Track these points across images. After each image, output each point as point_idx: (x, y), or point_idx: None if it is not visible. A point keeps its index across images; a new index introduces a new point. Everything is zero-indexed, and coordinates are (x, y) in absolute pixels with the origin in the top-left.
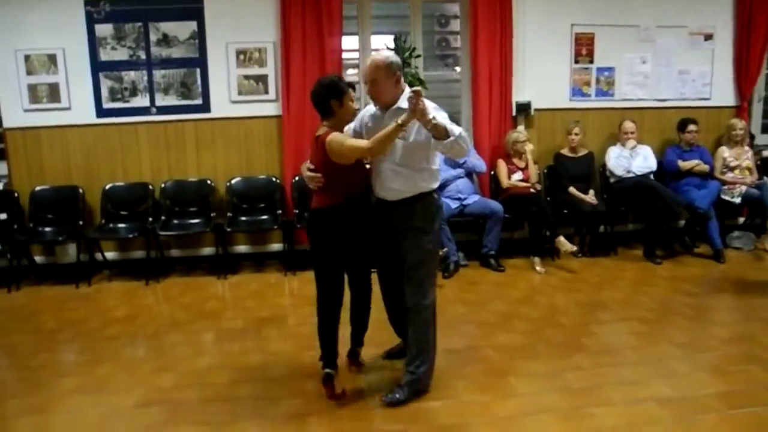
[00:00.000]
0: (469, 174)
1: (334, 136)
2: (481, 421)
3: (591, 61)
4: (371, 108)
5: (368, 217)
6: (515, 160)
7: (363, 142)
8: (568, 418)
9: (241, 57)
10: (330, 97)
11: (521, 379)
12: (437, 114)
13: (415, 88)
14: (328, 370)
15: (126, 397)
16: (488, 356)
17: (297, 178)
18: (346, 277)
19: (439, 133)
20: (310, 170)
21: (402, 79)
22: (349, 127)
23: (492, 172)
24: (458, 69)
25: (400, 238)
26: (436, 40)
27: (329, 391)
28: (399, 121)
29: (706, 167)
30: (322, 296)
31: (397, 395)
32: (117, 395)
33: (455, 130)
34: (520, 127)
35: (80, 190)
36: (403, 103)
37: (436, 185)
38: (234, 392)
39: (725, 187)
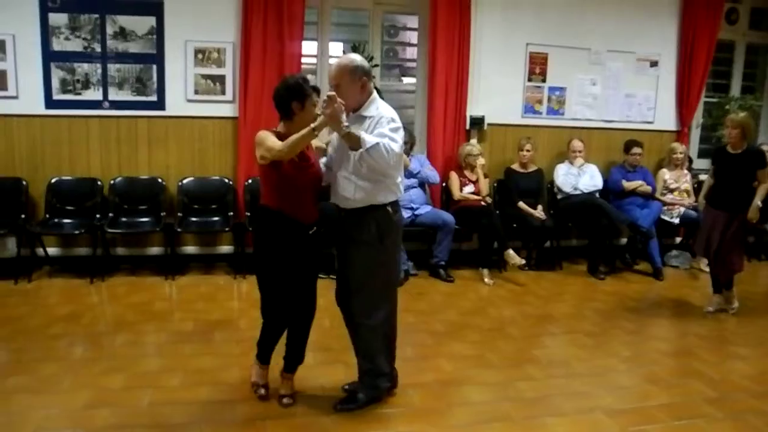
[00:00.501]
0: (422, 184)
1: (260, 133)
2: (437, 429)
3: (544, 80)
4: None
5: (314, 229)
6: (467, 173)
7: (278, 144)
8: (522, 427)
9: (200, 56)
10: (292, 99)
11: (474, 388)
12: (382, 127)
13: (329, 93)
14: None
15: (73, 398)
16: (441, 365)
17: (250, 181)
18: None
19: (352, 142)
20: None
21: (369, 85)
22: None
23: (444, 184)
24: (404, 80)
25: (349, 249)
26: (384, 50)
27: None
28: (312, 126)
29: (648, 188)
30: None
31: (350, 404)
32: (64, 396)
33: (368, 141)
34: (473, 141)
35: (24, 183)
36: (366, 110)
37: (392, 198)
38: (187, 395)
39: (665, 207)
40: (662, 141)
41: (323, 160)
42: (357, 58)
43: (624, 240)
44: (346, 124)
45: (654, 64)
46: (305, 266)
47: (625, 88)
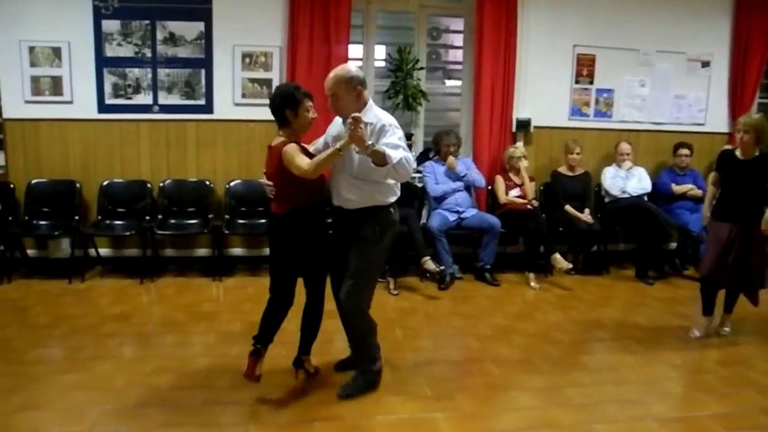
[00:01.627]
0: (467, 188)
1: (288, 149)
2: None
3: (591, 82)
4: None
5: (322, 225)
6: (513, 176)
7: (305, 163)
8: None
9: (247, 60)
10: (285, 107)
11: (523, 393)
12: (391, 136)
13: (354, 115)
14: (259, 346)
15: (127, 396)
16: (489, 369)
17: None
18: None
19: (378, 158)
20: (265, 178)
21: (364, 94)
22: (318, 140)
23: (489, 187)
24: (447, 82)
25: (349, 247)
26: (426, 53)
27: (249, 369)
28: (338, 146)
29: (699, 192)
30: (273, 296)
31: (350, 390)
32: (117, 394)
33: (394, 157)
34: (519, 143)
35: (77, 185)
36: (365, 117)
37: (392, 199)
38: (237, 396)
39: None
40: (714, 143)
41: None
42: (352, 68)
43: (673, 245)
44: (370, 142)
45: (706, 64)
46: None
47: (675, 89)
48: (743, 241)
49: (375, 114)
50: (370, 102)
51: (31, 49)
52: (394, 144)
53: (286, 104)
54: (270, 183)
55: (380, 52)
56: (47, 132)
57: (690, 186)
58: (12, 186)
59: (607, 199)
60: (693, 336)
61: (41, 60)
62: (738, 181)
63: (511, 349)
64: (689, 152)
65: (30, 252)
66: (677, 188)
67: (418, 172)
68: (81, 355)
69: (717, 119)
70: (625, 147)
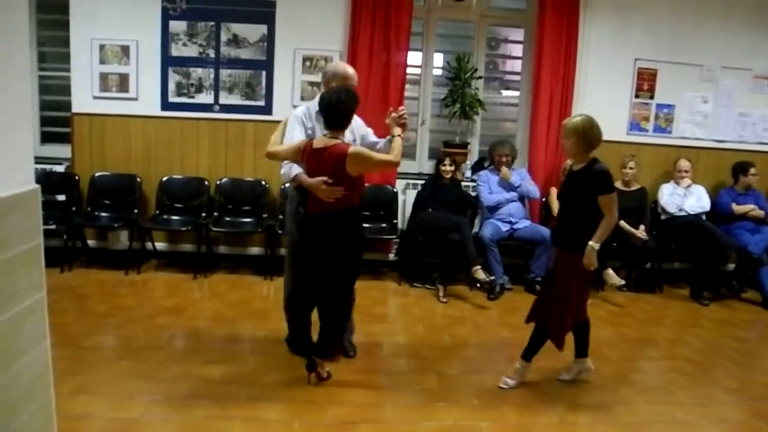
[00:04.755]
0: (521, 198)
1: (362, 150)
2: None
3: (651, 97)
4: (304, 109)
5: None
6: None
7: (390, 157)
8: None
9: (307, 63)
10: (354, 110)
11: (570, 408)
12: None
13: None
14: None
15: (176, 387)
16: (536, 382)
17: None
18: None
19: None
20: (327, 184)
21: None
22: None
23: (544, 199)
24: (504, 92)
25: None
26: (485, 63)
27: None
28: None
29: (761, 213)
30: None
31: None
32: (167, 384)
33: None
34: None
35: (138, 179)
36: None
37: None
38: (283, 393)
39: None
40: None
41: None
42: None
43: (731, 266)
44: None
45: None
46: None
47: (739, 106)
48: (557, 266)
49: None
50: None
51: (102, 46)
52: None
53: (355, 106)
54: (339, 187)
55: (439, 60)
56: (112, 127)
57: (752, 206)
58: (77, 177)
59: (663, 217)
60: (503, 385)
61: (110, 57)
62: (564, 196)
63: (560, 363)
64: (757, 171)
65: (90, 242)
66: (738, 208)
67: (473, 181)
68: (134, 345)
69: None
70: (684, 164)
